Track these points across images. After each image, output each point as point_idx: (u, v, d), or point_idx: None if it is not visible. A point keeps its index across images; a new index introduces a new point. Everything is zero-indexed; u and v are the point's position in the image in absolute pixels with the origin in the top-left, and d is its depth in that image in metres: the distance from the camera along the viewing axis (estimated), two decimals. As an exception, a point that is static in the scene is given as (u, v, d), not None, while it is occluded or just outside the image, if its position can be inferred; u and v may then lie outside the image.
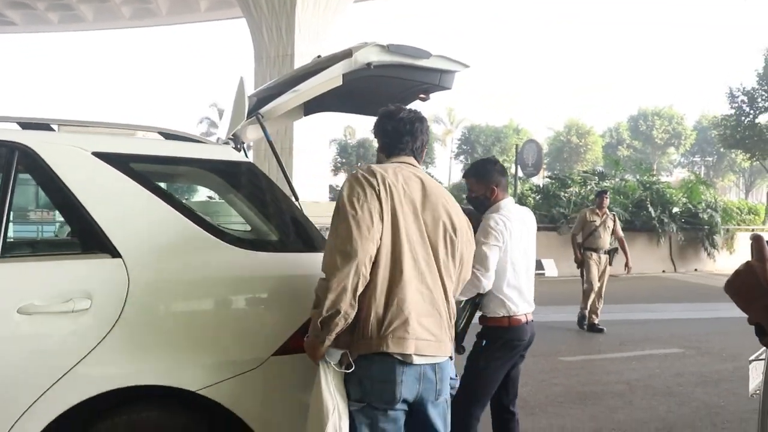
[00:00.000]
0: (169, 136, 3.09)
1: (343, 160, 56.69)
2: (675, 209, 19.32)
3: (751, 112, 25.26)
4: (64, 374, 2.49)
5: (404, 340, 2.45)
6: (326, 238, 2.54)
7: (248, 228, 3.58)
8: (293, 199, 3.09)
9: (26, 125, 2.92)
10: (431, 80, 3.34)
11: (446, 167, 60.45)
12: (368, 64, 3.07)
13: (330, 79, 3.06)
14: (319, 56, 3.45)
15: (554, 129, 60.48)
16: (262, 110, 3.11)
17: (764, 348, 3.10)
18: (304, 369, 2.65)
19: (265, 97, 3.18)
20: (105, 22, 39.35)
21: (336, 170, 56.15)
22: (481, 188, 3.85)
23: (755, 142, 24.87)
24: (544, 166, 55.05)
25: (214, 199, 9.37)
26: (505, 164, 42.98)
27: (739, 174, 61.67)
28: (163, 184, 3.40)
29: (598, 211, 10.39)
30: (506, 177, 3.97)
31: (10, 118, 2.95)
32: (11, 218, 2.83)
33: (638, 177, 22.14)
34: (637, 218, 18.77)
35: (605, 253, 10.37)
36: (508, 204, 3.86)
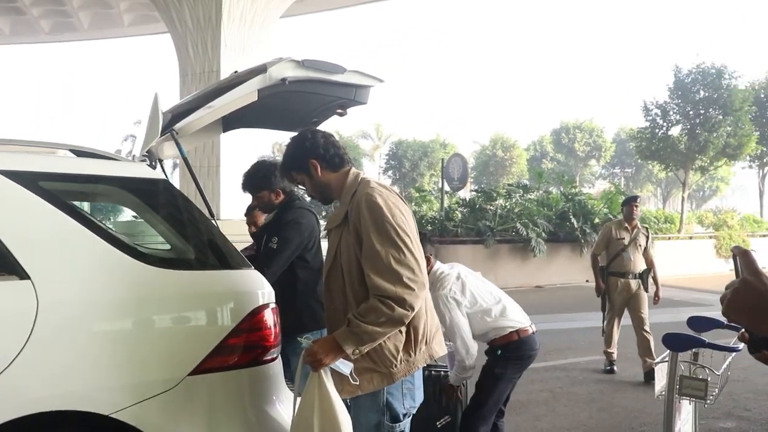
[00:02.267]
0: (81, 153, 3.03)
1: (273, 177, 56.25)
2: (597, 220, 19.87)
3: (664, 124, 26.26)
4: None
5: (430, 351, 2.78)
6: (376, 258, 2.56)
7: (168, 247, 3.54)
8: (210, 216, 3.06)
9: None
10: (346, 95, 3.37)
11: (375, 182, 60.70)
12: (283, 80, 3.09)
13: (245, 94, 3.06)
14: (236, 71, 3.45)
15: (480, 143, 61.63)
16: (177, 126, 3.09)
17: (668, 351, 3.24)
18: (221, 388, 2.63)
19: (180, 113, 3.16)
20: (22, 36, 38.21)
21: (265, 187, 55.61)
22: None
23: (669, 153, 25.85)
24: (471, 180, 56.05)
25: (139, 218, 9.18)
26: (432, 179, 43.06)
27: (656, 185, 63.89)
28: (77, 203, 3.31)
29: (627, 224, 7.95)
30: (433, 246, 4.34)
31: None
32: None
33: (561, 189, 22.70)
34: (561, 229, 19.22)
35: (636, 277, 7.84)
36: (441, 267, 4.20)
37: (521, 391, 6.84)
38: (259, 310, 2.74)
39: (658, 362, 3.29)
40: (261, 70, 3.06)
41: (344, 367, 2.47)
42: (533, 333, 4.24)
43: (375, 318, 2.44)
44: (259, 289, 2.80)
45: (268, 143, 55.73)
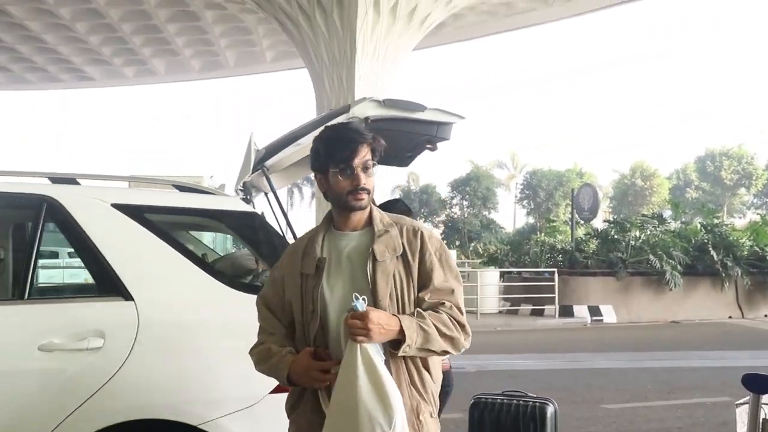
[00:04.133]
0: (182, 188, 3.36)
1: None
2: (740, 252, 18.80)
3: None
4: (79, 406, 2.73)
5: None
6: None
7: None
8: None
9: (55, 179, 3.23)
10: (428, 132, 3.51)
11: (510, 212, 60.23)
12: (366, 119, 3.28)
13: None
14: (330, 110, 3.65)
15: (620, 172, 59.71)
16: (267, 163, 3.35)
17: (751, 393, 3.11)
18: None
19: (271, 151, 3.42)
20: (176, 74, 40.98)
21: (399, 216, 56.31)
22: None
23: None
24: (609, 210, 54.38)
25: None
26: (567, 209, 42.00)
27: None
28: (178, 233, 3.65)
29: None
30: (411, 216, 4.06)
31: (43, 173, 3.26)
32: (39, 264, 3.12)
33: (701, 220, 21.68)
34: (700, 262, 18.34)
35: None
36: None
37: (633, 430, 6.64)
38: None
39: (740, 404, 3.16)
40: (345, 109, 3.28)
41: (378, 355, 2.09)
42: (450, 368, 4.13)
43: (444, 329, 2.22)
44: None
45: (404, 173, 56.71)
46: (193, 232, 4.41)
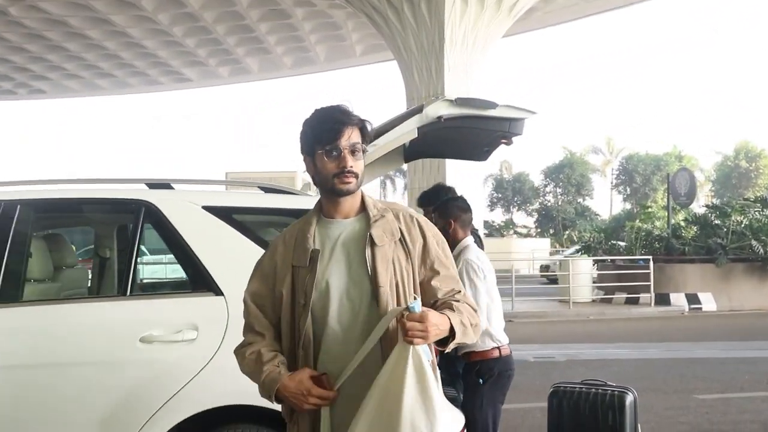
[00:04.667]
0: (267, 189, 3.59)
1: (499, 196, 56.56)
2: None
3: None
4: (176, 393, 2.99)
5: None
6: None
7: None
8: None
9: (152, 185, 3.51)
10: (501, 128, 3.61)
11: (606, 199, 58.87)
12: (439, 117, 3.41)
13: (405, 132, 3.43)
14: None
15: (723, 153, 57.33)
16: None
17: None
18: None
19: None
20: (269, 72, 42.01)
21: (492, 206, 56.09)
22: (440, 222, 3.98)
23: None
24: (711, 194, 52.31)
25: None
26: (665, 194, 40.86)
27: None
28: (264, 232, 3.87)
29: None
30: (469, 214, 4.11)
31: (141, 179, 3.55)
32: (139, 262, 3.41)
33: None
34: (811, 248, 17.50)
35: None
36: (472, 245, 4.06)
37: (727, 421, 6.52)
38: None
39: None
40: (418, 110, 3.41)
41: (426, 355, 2.01)
42: (510, 353, 4.02)
43: (471, 318, 2.18)
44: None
45: (496, 161, 56.25)
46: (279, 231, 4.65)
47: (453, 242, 4.04)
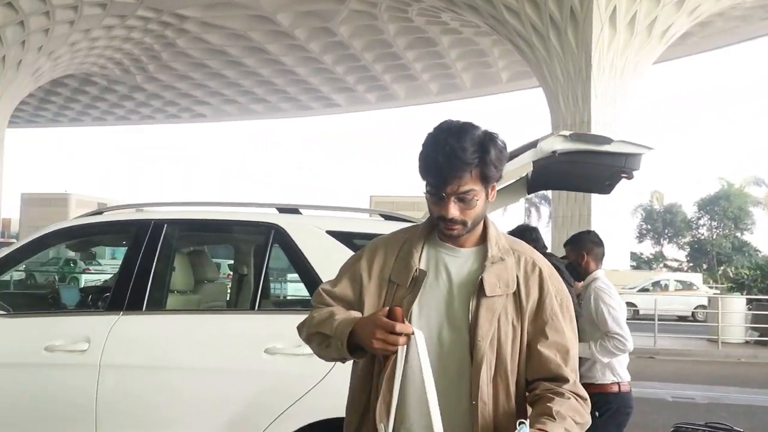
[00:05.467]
0: (387, 217, 3.80)
1: (649, 227, 54.34)
2: None
3: None
4: (294, 402, 3.24)
5: None
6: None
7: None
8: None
9: (281, 210, 3.82)
10: (617, 163, 3.60)
11: (768, 233, 55.10)
12: (553, 152, 3.47)
13: (520, 166, 3.52)
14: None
15: None
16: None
17: None
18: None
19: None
20: (415, 98, 42.78)
21: (641, 237, 53.99)
22: (573, 255, 4.21)
23: None
24: None
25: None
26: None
27: None
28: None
29: None
30: (601, 248, 4.22)
31: (272, 204, 3.88)
32: (268, 281, 3.71)
33: None
34: None
35: None
36: (602, 275, 4.12)
37: None
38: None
39: None
40: (532, 145, 3.50)
41: None
42: (630, 391, 3.94)
43: (578, 417, 1.80)
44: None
45: (647, 191, 54.19)
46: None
47: (584, 274, 4.21)
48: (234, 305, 4.68)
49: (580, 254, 4.19)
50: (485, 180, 1.82)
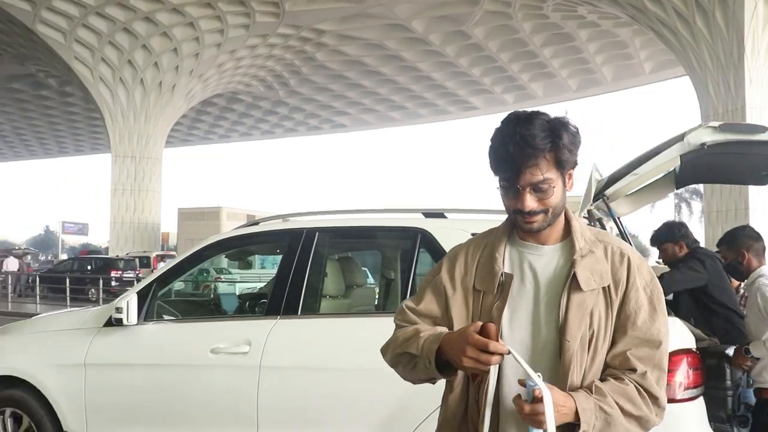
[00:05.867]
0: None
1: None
2: None
3: None
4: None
5: None
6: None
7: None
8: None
9: (427, 214, 3.91)
10: (771, 152, 3.43)
11: None
12: (702, 144, 3.34)
13: (667, 161, 3.42)
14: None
15: None
16: (607, 192, 3.61)
17: None
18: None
19: (611, 180, 3.67)
20: (554, 96, 41.97)
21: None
22: (731, 254, 3.96)
23: None
24: None
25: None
26: None
27: None
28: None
29: None
30: (761, 242, 3.94)
31: (418, 209, 3.98)
32: (416, 284, 3.81)
33: None
34: None
35: None
36: (766, 271, 3.82)
37: None
38: (672, 355, 3.07)
39: None
40: (679, 138, 3.38)
41: None
42: None
43: (629, 406, 1.69)
44: (674, 336, 3.15)
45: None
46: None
47: (747, 273, 3.96)
48: (383, 309, 4.81)
49: (739, 252, 3.92)
50: (560, 166, 1.75)
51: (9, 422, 4.46)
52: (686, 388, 3.10)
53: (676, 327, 3.21)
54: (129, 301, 4.06)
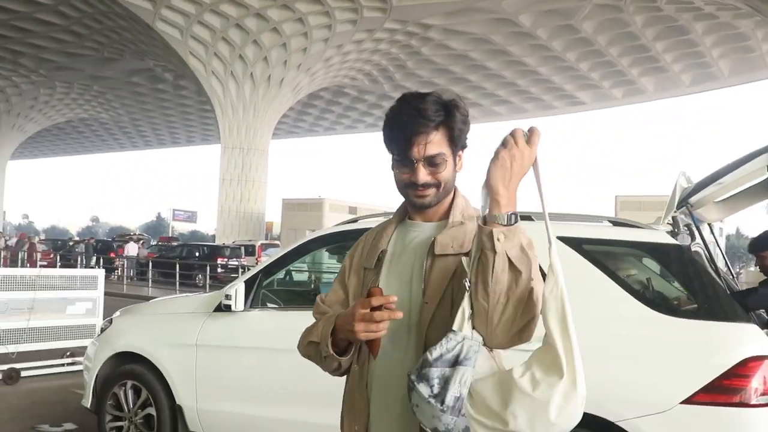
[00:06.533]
0: (615, 223, 3.91)
1: None
2: None
3: None
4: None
5: None
6: None
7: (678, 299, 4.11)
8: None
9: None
10: None
11: None
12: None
13: (753, 171, 3.45)
14: None
15: None
16: (692, 200, 3.68)
17: None
18: (708, 420, 3.13)
19: (696, 188, 3.73)
20: (665, 91, 40.70)
21: None
22: None
23: None
24: None
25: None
26: None
27: None
28: (611, 261, 4.16)
29: None
30: None
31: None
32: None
33: None
34: None
35: None
36: None
37: None
38: (749, 361, 3.15)
39: None
40: (765, 149, 3.40)
41: None
42: None
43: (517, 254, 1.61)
44: (751, 342, 3.22)
45: None
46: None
47: None
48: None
49: None
50: (452, 143, 1.79)
51: (130, 393, 4.98)
52: (762, 394, 3.16)
53: (754, 333, 3.27)
54: (237, 290, 4.46)
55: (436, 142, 1.75)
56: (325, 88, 39.56)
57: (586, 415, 3.33)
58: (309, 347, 1.92)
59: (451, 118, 1.77)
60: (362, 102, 44.52)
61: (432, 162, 1.76)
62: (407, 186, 1.81)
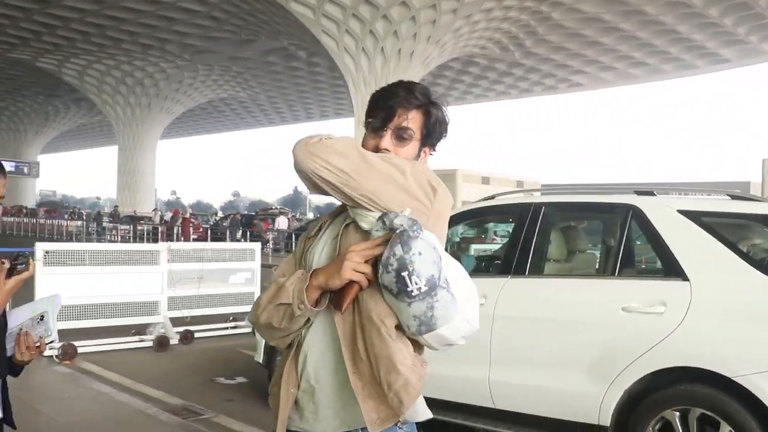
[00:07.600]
0: (734, 197, 4.26)
1: None
2: None
3: None
4: (645, 352, 3.92)
5: None
6: None
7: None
8: None
9: (639, 192, 4.49)
10: None
11: None
12: None
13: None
14: None
15: None
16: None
17: None
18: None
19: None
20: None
21: None
22: None
23: None
24: None
25: None
26: None
27: None
28: (730, 232, 4.47)
29: None
30: None
31: (630, 186, 4.57)
32: (627, 252, 4.42)
33: None
34: None
35: None
36: None
37: None
38: None
39: None
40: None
41: None
42: None
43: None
44: None
45: None
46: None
47: None
48: (602, 272, 5.44)
49: None
50: (426, 132, 1.95)
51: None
52: None
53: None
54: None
55: (411, 119, 1.91)
56: (455, 59, 39.65)
57: (706, 372, 3.76)
58: (278, 309, 1.88)
59: (433, 106, 1.96)
60: (493, 70, 44.27)
61: (400, 135, 1.91)
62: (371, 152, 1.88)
